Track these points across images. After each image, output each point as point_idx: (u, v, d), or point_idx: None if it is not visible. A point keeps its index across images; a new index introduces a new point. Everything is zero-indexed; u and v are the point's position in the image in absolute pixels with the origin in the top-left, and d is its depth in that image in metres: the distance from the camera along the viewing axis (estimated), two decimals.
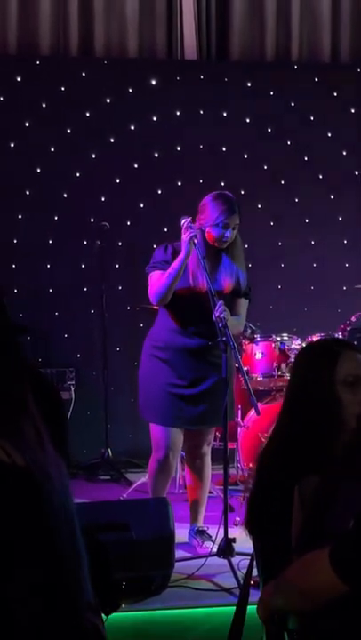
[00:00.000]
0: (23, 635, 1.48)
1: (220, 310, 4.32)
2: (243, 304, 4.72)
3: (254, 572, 2.36)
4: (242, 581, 4.05)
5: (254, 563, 2.31)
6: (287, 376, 5.52)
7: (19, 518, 1.49)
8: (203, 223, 4.56)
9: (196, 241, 4.43)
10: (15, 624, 1.47)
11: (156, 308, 4.85)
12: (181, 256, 4.47)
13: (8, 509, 1.48)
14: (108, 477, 6.35)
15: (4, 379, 1.60)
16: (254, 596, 2.34)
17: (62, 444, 1.71)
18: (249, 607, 2.28)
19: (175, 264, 4.49)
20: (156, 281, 4.56)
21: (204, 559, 4.33)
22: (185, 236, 4.47)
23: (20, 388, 1.62)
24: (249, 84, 7.09)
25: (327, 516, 1.82)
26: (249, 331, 5.63)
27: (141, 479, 5.70)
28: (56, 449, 1.62)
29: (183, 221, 4.52)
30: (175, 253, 4.58)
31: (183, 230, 4.49)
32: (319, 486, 1.85)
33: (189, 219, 4.54)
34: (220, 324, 4.30)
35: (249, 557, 4.14)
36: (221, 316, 4.30)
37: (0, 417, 1.55)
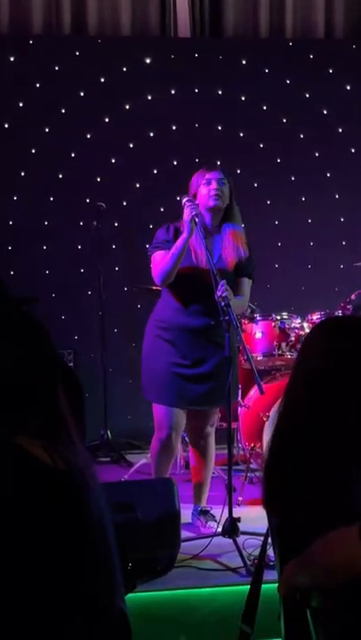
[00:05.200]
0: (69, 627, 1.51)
1: (222, 290, 4.29)
2: (246, 284, 4.70)
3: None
4: (248, 560, 4.06)
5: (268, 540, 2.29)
6: (288, 355, 5.50)
7: (60, 521, 1.51)
8: (193, 193, 4.56)
9: (197, 220, 4.40)
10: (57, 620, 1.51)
11: (154, 288, 4.82)
12: (184, 235, 4.44)
13: (51, 513, 1.49)
14: (108, 459, 6.34)
15: (34, 372, 1.59)
16: (266, 574, 2.33)
17: (82, 430, 1.71)
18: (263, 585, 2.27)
19: (178, 243, 4.45)
20: (160, 261, 4.53)
21: (208, 539, 4.33)
22: (186, 215, 4.44)
23: (51, 381, 1.61)
24: (243, 62, 7.04)
25: (348, 493, 1.81)
26: (249, 310, 5.61)
27: (142, 460, 5.69)
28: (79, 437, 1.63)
29: (184, 200, 4.49)
30: (177, 232, 4.55)
31: (184, 209, 4.46)
32: (340, 464, 1.83)
33: (189, 197, 4.52)
34: (223, 304, 4.27)
35: (254, 537, 4.18)
36: (224, 295, 4.27)
37: (36, 416, 1.54)
